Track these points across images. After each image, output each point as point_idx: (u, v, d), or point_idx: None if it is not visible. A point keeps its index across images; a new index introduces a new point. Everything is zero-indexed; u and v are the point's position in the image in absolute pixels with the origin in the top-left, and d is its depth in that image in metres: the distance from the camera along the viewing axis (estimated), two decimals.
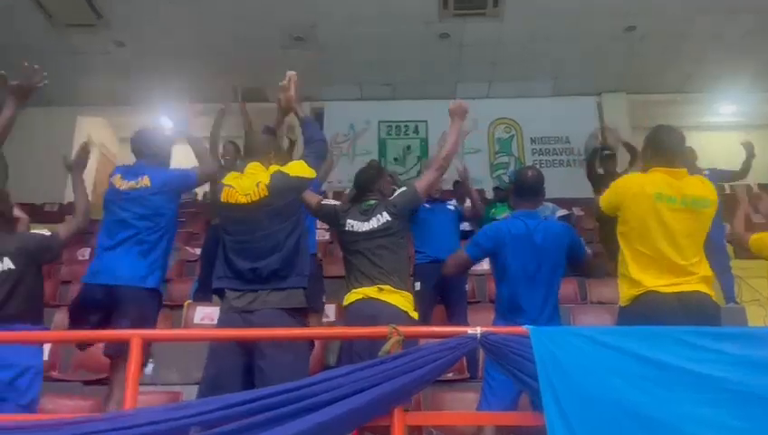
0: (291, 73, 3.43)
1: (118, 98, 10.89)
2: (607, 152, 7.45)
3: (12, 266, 3.07)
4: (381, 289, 3.29)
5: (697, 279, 2.88)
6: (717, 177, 6.64)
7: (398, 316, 3.09)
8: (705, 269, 2.93)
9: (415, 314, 3.36)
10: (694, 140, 7.84)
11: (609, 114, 10.83)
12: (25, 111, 10.65)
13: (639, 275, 2.89)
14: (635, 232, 2.94)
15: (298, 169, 3.20)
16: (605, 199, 3.13)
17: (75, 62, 9.61)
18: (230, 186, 3.14)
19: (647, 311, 2.81)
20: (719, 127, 12.12)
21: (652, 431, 2.12)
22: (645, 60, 9.83)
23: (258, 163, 3.21)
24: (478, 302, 5.96)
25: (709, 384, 2.17)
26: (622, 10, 8.58)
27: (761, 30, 9.01)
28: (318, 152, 3.35)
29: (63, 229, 3.40)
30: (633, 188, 2.97)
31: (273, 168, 3.20)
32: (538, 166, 10.55)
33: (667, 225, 2.86)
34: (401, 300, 3.31)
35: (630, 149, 5.82)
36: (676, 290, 2.83)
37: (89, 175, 11.08)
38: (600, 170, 6.61)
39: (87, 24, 8.61)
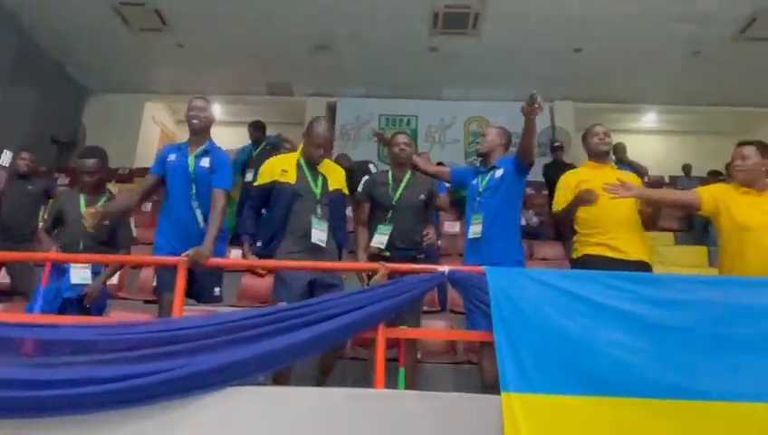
0: None
1: (177, 88, 10.73)
2: (557, 144, 7.60)
3: None
4: None
5: None
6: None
7: None
8: None
9: None
10: (625, 141, 7.79)
11: (559, 117, 10.75)
12: (107, 97, 10.62)
13: None
14: None
15: None
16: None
17: (145, 58, 9.52)
18: None
19: None
20: (644, 131, 12.03)
21: (576, 349, 2.14)
22: (588, 75, 9.67)
23: None
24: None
25: (620, 315, 2.19)
26: (570, 36, 8.51)
27: (680, 58, 8.93)
28: None
29: None
30: None
31: None
32: None
33: None
34: None
35: None
36: None
37: (151, 149, 11.08)
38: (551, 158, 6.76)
39: (155, 29, 8.53)
